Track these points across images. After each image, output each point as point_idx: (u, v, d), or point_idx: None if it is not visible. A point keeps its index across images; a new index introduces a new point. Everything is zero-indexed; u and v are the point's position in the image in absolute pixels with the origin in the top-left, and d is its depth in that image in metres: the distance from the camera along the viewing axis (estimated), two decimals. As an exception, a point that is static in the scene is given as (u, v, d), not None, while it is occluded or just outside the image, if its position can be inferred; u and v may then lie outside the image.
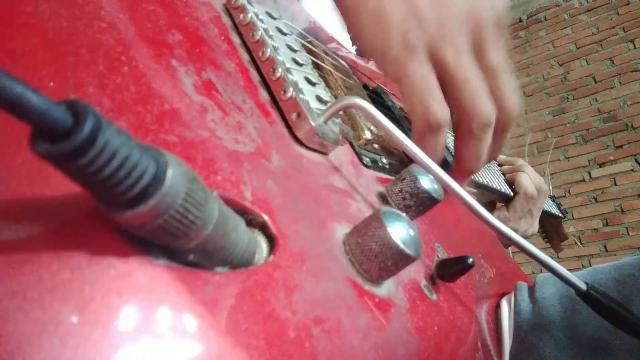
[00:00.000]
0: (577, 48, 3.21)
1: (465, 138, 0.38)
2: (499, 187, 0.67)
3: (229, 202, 0.18)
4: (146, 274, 0.13)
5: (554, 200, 1.09)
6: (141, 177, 0.11)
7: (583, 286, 0.29)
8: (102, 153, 0.10)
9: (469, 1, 0.36)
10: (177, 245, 0.14)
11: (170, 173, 0.12)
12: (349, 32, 0.37)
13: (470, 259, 0.27)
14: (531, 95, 3.29)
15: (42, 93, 0.10)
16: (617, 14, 3.10)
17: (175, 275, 0.14)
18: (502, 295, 0.42)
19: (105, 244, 0.13)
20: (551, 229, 1.11)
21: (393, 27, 0.34)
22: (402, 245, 0.21)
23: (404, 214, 0.23)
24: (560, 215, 1.04)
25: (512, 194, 0.75)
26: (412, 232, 0.22)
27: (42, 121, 0.10)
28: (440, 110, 0.34)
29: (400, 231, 0.21)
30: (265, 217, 0.19)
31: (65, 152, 0.10)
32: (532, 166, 0.81)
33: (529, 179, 0.76)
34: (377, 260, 0.21)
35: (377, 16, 0.35)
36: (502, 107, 0.37)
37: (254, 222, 0.19)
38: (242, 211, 0.18)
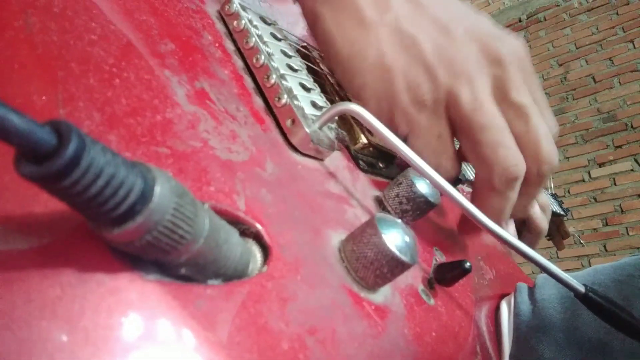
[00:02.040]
0: (577, 48, 3.21)
1: (486, 193, 0.32)
2: None
3: (222, 213, 0.18)
4: (137, 290, 0.13)
5: (555, 199, 1.09)
6: (128, 195, 0.11)
7: (581, 288, 0.29)
8: (87, 173, 0.10)
9: (479, 36, 0.32)
10: (168, 260, 0.14)
11: (157, 189, 0.12)
12: (351, 86, 0.33)
13: (468, 264, 0.27)
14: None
15: (25, 114, 0.10)
16: (617, 14, 3.10)
17: (167, 290, 0.14)
18: (502, 296, 0.42)
19: (95, 261, 0.13)
20: (553, 227, 1.11)
21: (398, 80, 0.31)
22: (397, 252, 0.21)
23: (399, 220, 0.23)
24: (562, 213, 1.04)
25: None
26: (407, 239, 0.22)
27: (25, 143, 0.10)
28: (452, 168, 0.32)
29: (395, 238, 0.21)
30: (259, 227, 0.19)
31: (50, 174, 0.10)
32: None
33: (538, 212, 0.62)
34: (372, 267, 0.21)
35: (380, 69, 0.31)
36: (534, 157, 0.32)
37: (247, 232, 0.19)
38: (235, 221, 0.18)
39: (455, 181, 0.36)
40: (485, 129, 0.30)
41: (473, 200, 0.34)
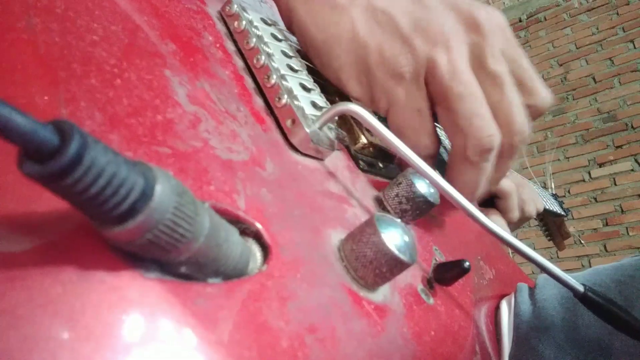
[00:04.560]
0: (577, 48, 3.21)
1: (460, 164, 0.32)
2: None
3: (222, 213, 0.18)
4: (137, 288, 0.13)
5: (556, 199, 1.09)
6: (129, 194, 0.11)
7: (580, 288, 0.29)
8: (89, 172, 0.10)
9: (455, 5, 0.32)
10: (168, 259, 0.14)
11: (158, 188, 0.12)
12: (330, 71, 0.33)
13: (467, 263, 0.27)
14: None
15: (29, 114, 0.10)
16: (617, 14, 3.10)
17: (167, 288, 0.14)
18: (502, 296, 0.42)
19: (96, 259, 0.13)
20: (554, 227, 1.11)
21: (374, 55, 0.30)
22: (396, 252, 0.21)
23: (398, 220, 0.23)
24: (563, 213, 1.04)
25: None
26: (406, 238, 0.22)
27: (28, 142, 0.10)
28: (432, 144, 0.32)
29: (394, 237, 0.21)
30: (259, 226, 0.19)
31: (52, 173, 0.10)
32: (532, 166, 0.79)
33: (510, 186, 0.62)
34: (371, 266, 0.21)
35: (355, 48, 0.31)
36: (507, 129, 0.31)
37: (247, 231, 0.19)
38: (235, 221, 0.19)
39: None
40: (462, 98, 0.30)
41: (447, 172, 0.33)
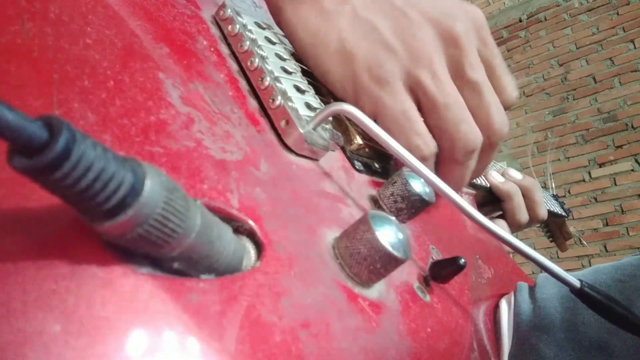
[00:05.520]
0: (577, 48, 3.21)
1: (449, 165, 0.35)
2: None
3: (215, 210, 0.18)
4: (129, 283, 0.13)
5: (557, 200, 1.09)
6: (118, 188, 0.12)
7: (577, 283, 0.29)
8: (77, 166, 0.11)
9: (434, 17, 0.34)
10: (161, 254, 0.14)
11: (148, 183, 0.12)
12: (317, 73, 0.34)
13: (462, 260, 0.27)
14: (531, 95, 3.30)
15: (18, 110, 0.10)
16: (617, 14, 3.11)
17: (159, 284, 0.14)
18: (501, 296, 0.42)
19: (89, 254, 0.13)
20: (555, 228, 1.11)
21: (359, 62, 0.32)
22: (390, 248, 0.21)
23: (392, 217, 0.23)
24: (564, 214, 1.04)
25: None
26: (400, 235, 0.22)
27: (18, 137, 0.10)
28: (425, 144, 0.33)
29: (388, 234, 0.22)
30: (252, 224, 0.19)
31: (41, 167, 0.10)
32: (532, 166, 0.78)
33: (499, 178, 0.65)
34: (365, 263, 0.22)
35: (342, 55, 0.32)
36: (487, 129, 0.35)
37: (241, 229, 0.19)
38: (229, 218, 0.19)
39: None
40: (447, 108, 0.33)
41: (437, 170, 0.36)
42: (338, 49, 0.32)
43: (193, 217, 0.14)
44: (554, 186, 1.28)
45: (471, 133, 0.34)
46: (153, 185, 0.12)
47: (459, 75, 0.34)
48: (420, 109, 0.33)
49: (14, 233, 0.13)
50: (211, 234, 0.15)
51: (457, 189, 0.37)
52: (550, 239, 1.14)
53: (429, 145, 0.33)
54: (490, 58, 0.36)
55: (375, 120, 0.33)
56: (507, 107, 0.37)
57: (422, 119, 0.34)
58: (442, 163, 0.36)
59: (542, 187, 1.03)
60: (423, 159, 0.33)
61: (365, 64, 0.32)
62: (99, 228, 0.12)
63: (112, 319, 0.12)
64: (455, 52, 0.33)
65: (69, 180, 0.11)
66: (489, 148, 0.36)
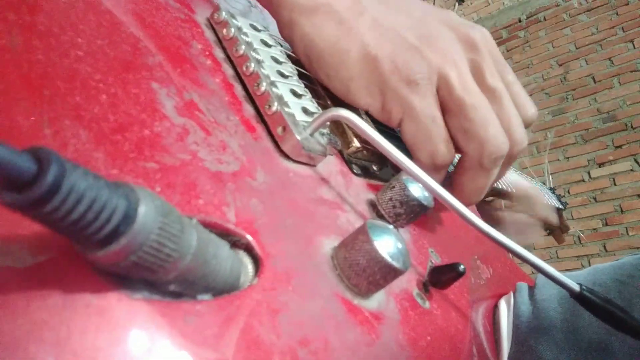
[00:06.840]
0: (577, 48, 3.21)
1: (474, 172, 0.33)
2: (500, 186, 0.67)
3: (211, 226, 0.18)
4: (124, 309, 0.13)
5: (553, 192, 1.09)
6: (111, 217, 0.11)
7: (576, 287, 0.29)
8: (68, 198, 0.10)
9: (452, 25, 0.34)
10: (156, 278, 0.14)
11: (141, 210, 0.12)
12: (337, 83, 0.33)
13: (462, 267, 0.27)
14: (530, 95, 3.29)
15: (4, 142, 0.10)
16: (617, 14, 3.10)
17: (154, 308, 0.14)
18: (500, 296, 0.42)
19: (82, 282, 0.13)
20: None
21: (386, 64, 0.31)
22: (389, 259, 0.21)
23: (391, 226, 0.23)
24: (561, 206, 1.04)
25: (509, 189, 0.74)
26: (399, 245, 0.22)
27: (5, 172, 0.10)
28: (448, 152, 0.32)
29: (387, 244, 0.21)
30: (250, 238, 0.19)
31: (30, 202, 0.10)
32: (532, 166, 0.79)
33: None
34: (365, 274, 0.21)
35: (365, 59, 0.31)
36: (509, 137, 0.33)
37: (238, 243, 0.19)
38: (225, 234, 0.18)
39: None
40: (476, 108, 0.31)
41: (458, 179, 0.34)
42: (362, 55, 0.31)
43: (188, 238, 0.14)
44: (551, 179, 1.28)
45: (500, 136, 0.32)
46: (147, 211, 0.12)
47: (480, 80, 0.33)
48: (443, 112, 0.32)
49: (3, 262, 0.12)
50: (207, 254, 0.15)
51: (477, 200, 0.35)
52: (548, 232, 1.15)
53: (452, 152, 0.32)
54: (504, 74, 0.35)
55: (400, 124, 0.33)
56: (527, 124, 0.36)
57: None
58: (465, 170, 0.34)
59: (542, 184, 1.03)
60: (442, 167, 0.32)
61: (392, 66, 0.31)
62: (91, 257, 0.12)
63: (106, 349, 0.12)
64: (476, 57, 0.33)
65: (59, 213, 0.10)
66: (509, 159, 0.35)
